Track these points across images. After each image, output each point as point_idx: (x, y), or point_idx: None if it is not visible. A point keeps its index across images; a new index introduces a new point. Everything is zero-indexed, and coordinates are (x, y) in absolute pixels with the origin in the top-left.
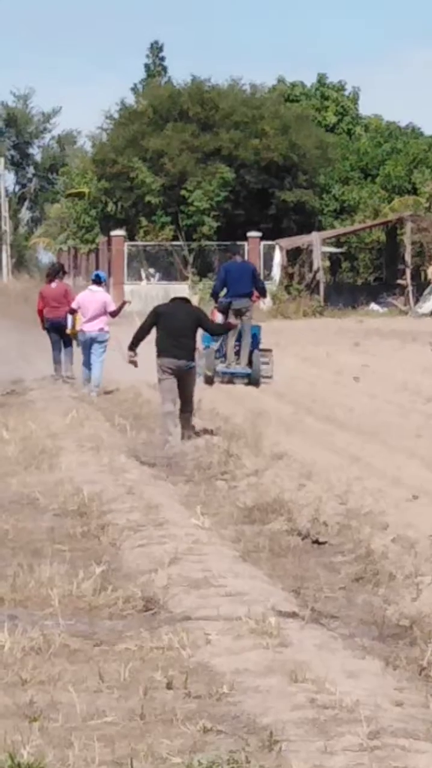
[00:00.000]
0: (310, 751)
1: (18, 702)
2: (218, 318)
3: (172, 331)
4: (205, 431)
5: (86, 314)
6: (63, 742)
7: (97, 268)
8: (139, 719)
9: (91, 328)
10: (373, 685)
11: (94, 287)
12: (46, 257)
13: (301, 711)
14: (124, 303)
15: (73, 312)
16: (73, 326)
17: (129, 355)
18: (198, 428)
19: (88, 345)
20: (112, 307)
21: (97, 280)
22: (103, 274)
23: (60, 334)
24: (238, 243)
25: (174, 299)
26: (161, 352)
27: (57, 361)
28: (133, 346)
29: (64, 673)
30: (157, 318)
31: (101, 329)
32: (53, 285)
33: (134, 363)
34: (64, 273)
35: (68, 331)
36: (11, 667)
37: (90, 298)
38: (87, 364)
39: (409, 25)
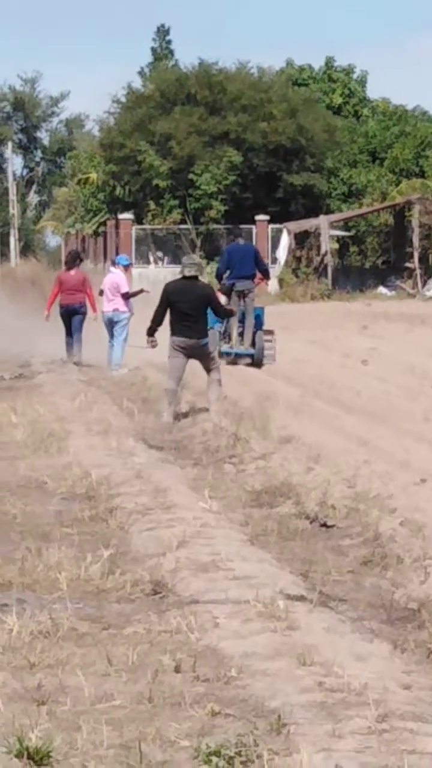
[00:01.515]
0: (319, 734)
1: (26, 686)
2: (222, 299)
3: (183, 311)
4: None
5: (106, 295)
6: (71, 725)
7: (105, 251)
8: (148, 702)
9: (108, 309)
10: (381, 669)
11: (112, 268)
12: (53, 241)
13: (309, 694)
14: (141, 290)
15: (101, 293)
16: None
17: (149, 341)
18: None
19: (108, 326)
20: (124, 289)
21: (116, 262)
22: (123, 257)
23: (71, 317)
24: (245, 226)
25: (183, 276)
26: (173, 332)
27: (69, 345)
28: (152, 331)
29: (72, 656)
30: (168, 297)
31: (116, 309)
32: (72, 272)
33: (154, 346)
34: (81, 260)
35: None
36: (19, 651)
37: (107, 279)
38: (109, 344)
39: (418, 9)
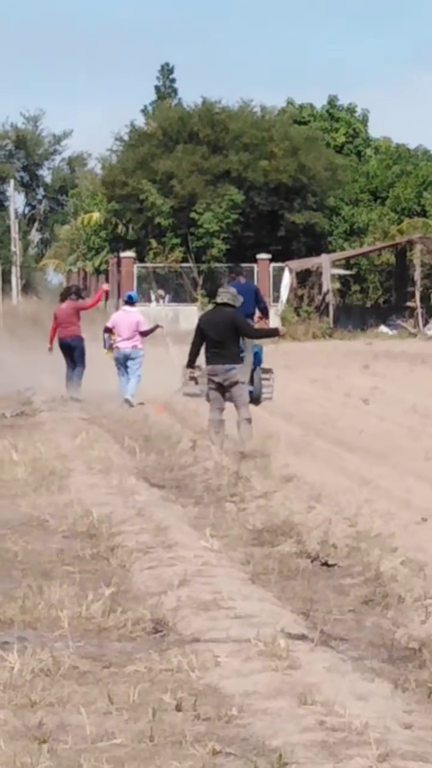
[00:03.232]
0: None
1: (27, 724)
2: None
3: (212, 337)
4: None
5: (121, 333)
6: (72, 764)
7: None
8: (149, 741)
9: (125, 346)
10: (383, 708)
11: (128, 308)
12: (55, 279)
13: (310, 733)
14: (157, 326)
15: (107, 330)
16: (110, 345)
17: (188, 372)
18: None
19: (122, 361)
20: (144, 327)
21: (130, 301)
22: (134, 294)
23: (69, 352)
24: (247, 265)
25: (217, 304)
26: (206, 361)
27: (68, 378)
28: (190, 363)
29: (73, 694)
30: (200, 328)
31: (135, 346)
32: (63, 305)
33: (195, 380)
34: (79, 296)
35: (104, 348)
36: (21, 689)
37: (124, 317)
38: (122, 378)
39: (419, 49)
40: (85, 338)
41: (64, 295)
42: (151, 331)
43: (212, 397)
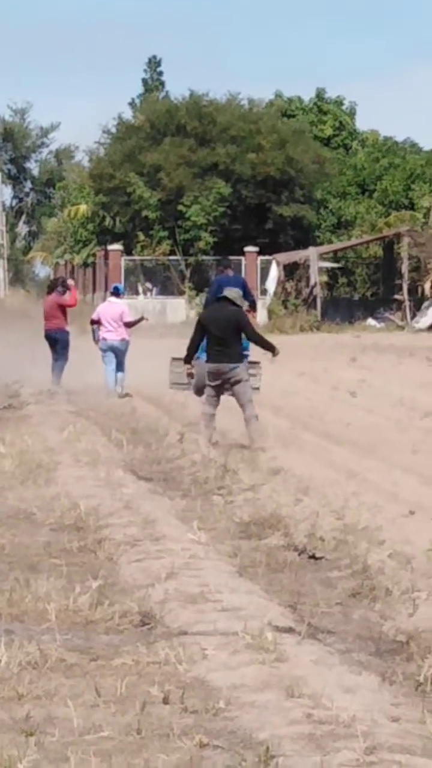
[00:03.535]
0: (307, 766)
1: (14, 716)
2: None
3: (214, 333)
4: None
5: (107, 325)
6: (59, 756)
7: (94, 282)
8: (136, 734)
9: (112, 337)
10: (370, 701)
11: (113, 299)
12: (43, 271)
13: (297, 726)
14: (142, 318)
15: (94, 323)
16: (97, 336)
17: (186, 368)
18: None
19: (109, 352)
20: (127, 318)
21: (116, 293)
22: (121, 286)
23: (52, 344)
24: (234, 258)
25: (219, 298)
26: (209, 359)
27: (53, 369)
28: (188, 358)
29: (60, 687)
30: (201, 323)
31: (123, 338)
32: (49, 298)
33: (191, 375)
34: (64, 286)
35: (94, 341)
36: (7, 682)
37: (108, 309)
38: (108, 368)
39: (407, 42)
40: (72, 331)
41: (51, 287)
42: (136, 322)
43: (209, 393)
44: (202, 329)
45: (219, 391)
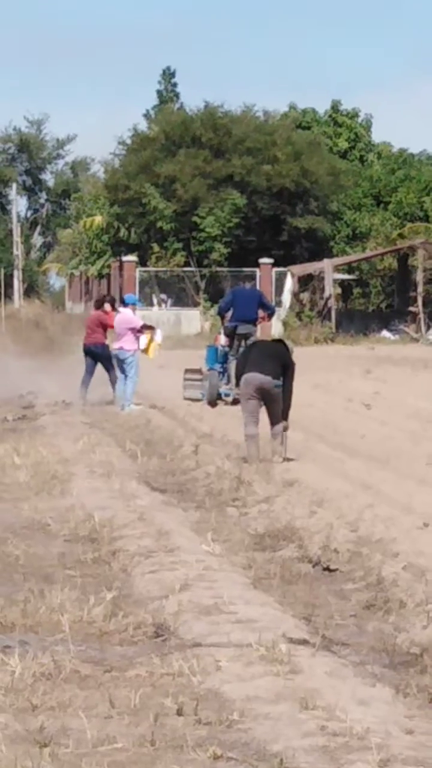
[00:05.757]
0: None
1: (29, 727)
2: (222, 340)
3: (257, 357)
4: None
5: (116, 334)
6: None
7: (108, 293)
8: (150, 745)
9: (115, 347)
10: (384, 713)
11: (121, 308)
12: (58, 282)
13: (311, 738)
14: (152, 328)
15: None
16: (146, 347)
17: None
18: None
19: (117, 363)
20: (133, 324)
21: (122, 302)
22: (131, 297)
23: (93, 358)
24: (249, 269)
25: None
26: (247, 369)
27: (83, 383)
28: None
29: (74, 698)
30: (249, 348)
31: (121, 347)
32: (93, 313)
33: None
34: (107, 303)
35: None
36: (22, 693)
37: (117, 319)
38: (119, 378)
39: (423, 54)
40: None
41: (97, 304)
42: (146, 327)
43: (248, 408)
44: (248, 351)
45: (258, 407)
